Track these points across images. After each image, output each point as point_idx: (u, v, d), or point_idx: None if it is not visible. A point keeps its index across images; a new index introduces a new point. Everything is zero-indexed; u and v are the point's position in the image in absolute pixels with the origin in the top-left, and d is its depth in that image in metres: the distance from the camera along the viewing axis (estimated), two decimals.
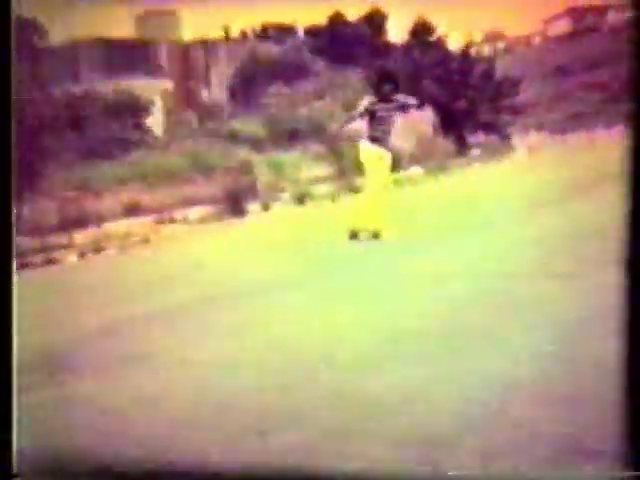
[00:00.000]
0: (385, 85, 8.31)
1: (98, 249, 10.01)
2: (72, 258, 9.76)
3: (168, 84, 21.12)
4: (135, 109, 16.95)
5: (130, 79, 18.61)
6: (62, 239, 10.53)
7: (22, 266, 9.17)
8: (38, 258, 9.58)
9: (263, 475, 2.84)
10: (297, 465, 2.80)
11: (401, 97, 8.36)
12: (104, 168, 13.18)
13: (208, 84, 22.44)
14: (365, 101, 8.41)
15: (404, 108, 8.35)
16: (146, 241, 10.58)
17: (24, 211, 10.34)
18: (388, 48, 25.60)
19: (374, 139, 8.42)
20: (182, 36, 25.46)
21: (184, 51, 24.04)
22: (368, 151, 8.50)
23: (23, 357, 4.73)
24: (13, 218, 2.73)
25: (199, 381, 4.00)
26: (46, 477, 2.85)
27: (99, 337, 5.25)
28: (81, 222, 11.36)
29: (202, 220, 12.10)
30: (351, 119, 8.76)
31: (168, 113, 19.23)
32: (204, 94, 22.02)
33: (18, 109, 10.79)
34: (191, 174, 13.46)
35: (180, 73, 22.06)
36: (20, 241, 10.17)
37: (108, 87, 17.49)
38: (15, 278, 2.87)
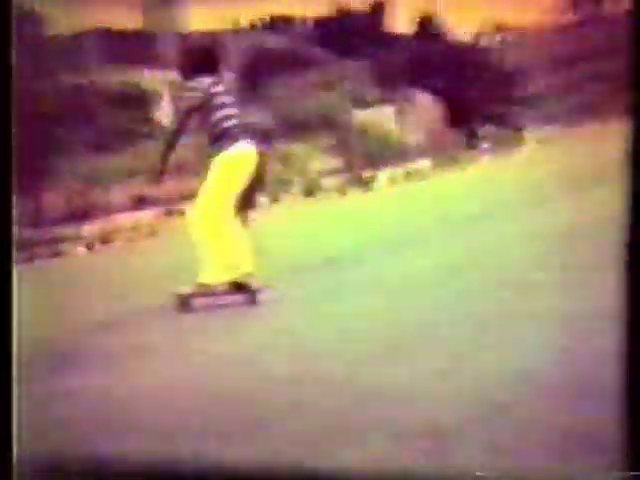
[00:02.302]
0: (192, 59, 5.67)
1: (106, 241, 10.02)
2: (80, 250, 9.78)
3: (175, 75, 21.09)
4: (142, 101, 16.95)
5: (137, 70, 18.60)
6: (70, 231, 10.54)
7: (29, 258, 9.18)
8: (45, 250, 9.58)
9: (261, 471, 2.83)
10: (299, 458, 2.78)
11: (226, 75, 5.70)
12: (112, 160, 13.18)
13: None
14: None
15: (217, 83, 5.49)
16: (154, 233, 10.59)
17: (31, 203, 10.36)
18: (396, 39, 25.52)
19: (217, 139, 5.55)
20: (189, 27, 25.42)
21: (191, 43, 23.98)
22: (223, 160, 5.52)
23: (32, 348, 4.74)
24: (13, 211, 2.72)
25: (204, 374, 3.99)
26: (46, 477, 2.85)
27: (107, 330, 5.26)
28: (89, 214, 11.35)
29: None
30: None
31: (176, 105, 19.18)
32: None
33: (23, 101, 10.79)
34: (199, 166, 13.42)
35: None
36: (27, 233, 10.17)
37: (114, 78, 17.47)
38: (15, 271, 2.86)
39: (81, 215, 11.11)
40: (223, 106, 5.60)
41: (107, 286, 7.18)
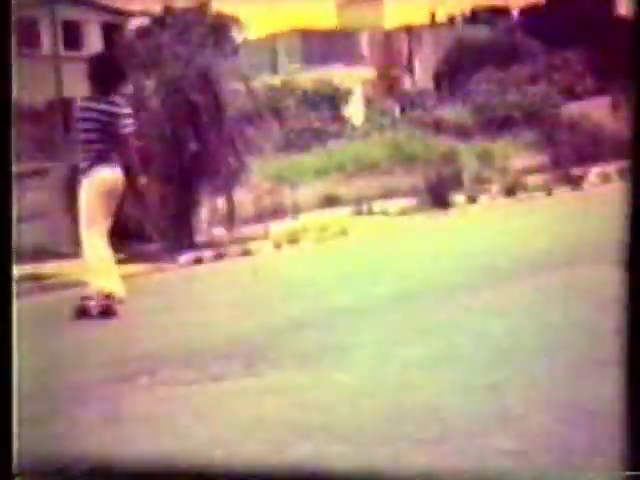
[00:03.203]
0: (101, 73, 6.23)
1: (294, 240, 10.35)
2: (268, 249, 10.16)
3: (369, 73, 21.48)
4: (334, 99, 17.42)
5: (329, 69, 19.14)
6: (258, 230, 11.01)
7: (218, 256, 9.69)
8: (234, 249, 10.06)
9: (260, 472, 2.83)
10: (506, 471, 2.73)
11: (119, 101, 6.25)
12: (301, 159, 13.63)
13: (412, 72, 22.59)
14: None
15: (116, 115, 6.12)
16: (344, 233, 10.80)
17: (222, 203, 10.90)
18: (619, 24, 24.46)
19: (84, 161, 6.20)
20: (385, 23, 25.83)
21: (387, 38, 24.35)
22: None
23: (218, 347, 4.96)
24: (13, 212, 2.88)
25: (399, 379, 3.99)
26: (46, 477, 2.94)
27: (295, 329, 5.38)
28: (277, 213, 11.81)
29: (403, 212, 12.19)
30: None
31: (368, 102, 19.54)
32: (407, 82, 22.18)
33: (212, 104, 11.24)
34: (391, 165, 13.61)
35: (382, 61, 22.38)
36: (218, 232, 10.74)
37: (307, 77, 18.08)
38: (15, 273, 3.01)
39: (270, 214, 11.60)
40: (91, 125, 6.13)
41: (295, 285, 7.37)
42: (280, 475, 2.83)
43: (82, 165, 6.21)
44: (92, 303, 6.06)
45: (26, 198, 9.50)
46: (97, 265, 6.11)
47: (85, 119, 6.19)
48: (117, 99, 6.25)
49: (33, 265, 8.82)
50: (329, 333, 5.16)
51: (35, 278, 8.44)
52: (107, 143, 6.11)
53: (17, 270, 8.52)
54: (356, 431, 3.20)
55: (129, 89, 6.55)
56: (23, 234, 9.39)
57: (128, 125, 6.18)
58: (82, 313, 6.05)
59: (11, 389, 2.82)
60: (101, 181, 6.11)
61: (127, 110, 6.25)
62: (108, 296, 6.02)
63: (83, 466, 2.94)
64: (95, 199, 6.12)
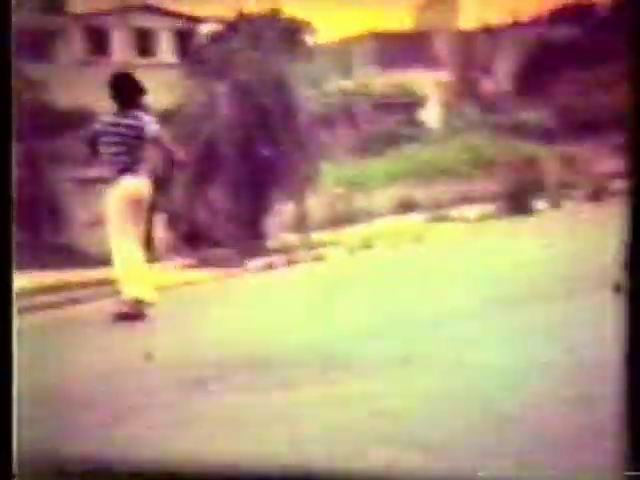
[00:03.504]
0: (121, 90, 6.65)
1: (368, 246, 10.36)
2: (341, 255, 10.16)
3: (446, 75, 21.34)
4: (409, 103, 17.38)
5: (404, 72, 19.09)
6: (331, 236, 11.02)
7: (290, 262, 9.71)
8: (306, 254, 10.09)
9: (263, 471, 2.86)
10: None
11: (141, 114, 6.61)
12: (375, 164, 13.62)
13: (491, 74, 22.37)
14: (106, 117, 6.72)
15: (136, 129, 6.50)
16: (419, 239, 10.74)
17: (294, 208, 10.96)
18: None
19: (111, 169, 6.56)
20: (463, 23, 25.64)
21: (465, 40, 24.15)
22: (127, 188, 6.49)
23: (290, 353, 4.94)
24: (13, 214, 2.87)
25: (474, 387, 3.94)
26: (46, 477, 2.97)
27: (369, 335, 5.36)
28: (350, 219, 11.80)
29: (481, 218, 12.09)
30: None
31: (445, 106, 19.40)
32: (486, 84, 21.96)
33: (292, 107, 11.31)
34: (469, 169, 13.49)
35: (460, 63, 22.20)
36: (289, 238, 10.79)
37: (381, 81, 18.07)
38: (15, 282, 3.01)
39: (343, 219, 11.58)
40: (118, 139, 6.52)
41: (369, 292, 7.33)
42: None
43: (108, 176, 6.61)
44: (124, 308, 6.39)
45: (95, 204, 9.65)
46: (127, 272, 6.42)
47: (112, 133, 6.59)
48: (138, 113, 6.66)
49: (102, 270, 8.96)
50: (402, 341, 5.11)
51: (103, 283, 8.58)
52: (132, 155, 6.53)
53: (86, 275, 8.65)
54: (433, 440, 3.16)
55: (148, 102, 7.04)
56: (92, 240, 9.58)
57: (152, 130, 6.57)
58: (116, 317, 6.40)
59: (11, 389, 2.85)
60: (125, 189, 6.48)
61: (149, 118, 6.68)
62: (138, 301, 6.35)
63: (83, 466, 2.99)
64: (121, 207, 6.47)
